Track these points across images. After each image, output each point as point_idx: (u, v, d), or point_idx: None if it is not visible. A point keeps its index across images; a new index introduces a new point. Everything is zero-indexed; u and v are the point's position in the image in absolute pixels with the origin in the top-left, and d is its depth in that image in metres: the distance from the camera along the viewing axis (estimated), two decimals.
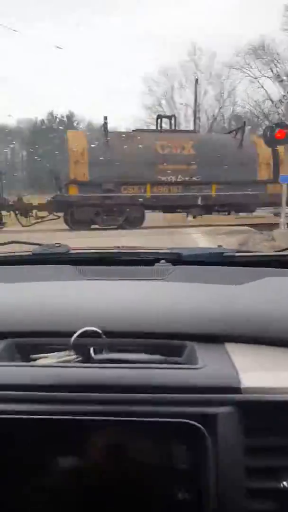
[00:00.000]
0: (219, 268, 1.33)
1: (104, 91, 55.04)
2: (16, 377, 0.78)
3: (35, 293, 1.11)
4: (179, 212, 14.73)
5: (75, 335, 0.87)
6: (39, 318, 0.97)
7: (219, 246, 1.80)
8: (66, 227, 13.34)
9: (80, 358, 0.88)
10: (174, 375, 0.78)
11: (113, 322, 0.95)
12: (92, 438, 0.73)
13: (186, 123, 31.88)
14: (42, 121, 39.60)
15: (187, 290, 1.15)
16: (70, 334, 0.88)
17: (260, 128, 26.01)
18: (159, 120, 15.65)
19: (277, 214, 13.04)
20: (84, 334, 0.88)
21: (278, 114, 13.56)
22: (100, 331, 0.89)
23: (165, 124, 16.03)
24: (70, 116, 39.18)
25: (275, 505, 0.72)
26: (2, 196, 14.20)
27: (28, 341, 0.92)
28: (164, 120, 16.21)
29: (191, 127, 23.28)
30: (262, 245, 8.13)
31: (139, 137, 14.06)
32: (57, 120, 38.50)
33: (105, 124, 13.56)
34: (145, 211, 14.05)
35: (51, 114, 38.79)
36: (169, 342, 0.91)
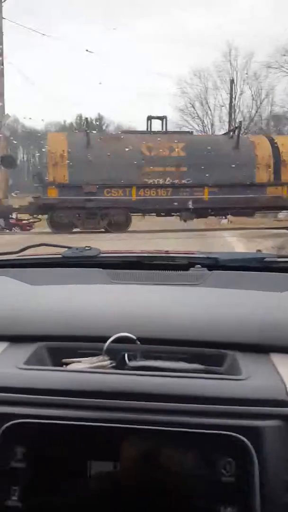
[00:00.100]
0: (260, 274, 1.28)
1: (136, 94, 54.95)
2: (49, 381, 0.77)
3: (66, 297, 1.11)
4: (172, 215, 14.12)
5: (109, 341, 0.86)
6: (71, 322, 0.96)
7: (258, 250, 1.72)
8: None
9: (114, 364, 0.85)
10: (216, 386, 0.76)
11: (147, 328, 0.93)
12: (126, 447, 0.72)
13: (221, 125, 31.12)
14: (71, 124, 39.92)
15: (225, 296, 1.12)
16: (102, 339, 0.87)
17: None
18: (149, 121, 15.05)
19: None
20: (118, 340, 0.87)
21: None
22: (134, 337, 0.88)
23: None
24: (99, 119, 39.27)
25: None
26: None
27: (60, 345, 0.91)
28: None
29: (226, 129, 22.42)
30: None
31: (124, 139, 13.64)
32: (85, 123, 38.65)
33: (87, 125, 13.27)
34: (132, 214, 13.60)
35: (79, 117, 38.88)
36: (208, 351, 0.88)
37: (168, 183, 13.42)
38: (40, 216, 13.74)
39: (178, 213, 13.77)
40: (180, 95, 34.12)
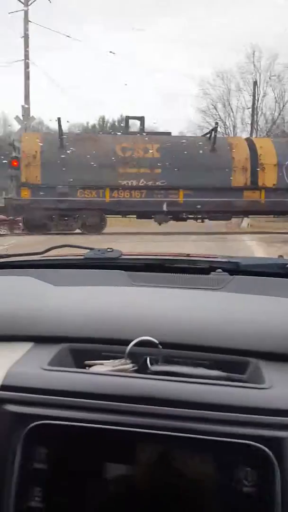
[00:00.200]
0: (282, 280, 1.26)
1: (159, 94, 54.58)
2: (72, 383, 0.78)
3: (88, 298, 1.12)
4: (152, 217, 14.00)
5: (131, 344, 0.86)
6: (94, 324, 0.97)
7: (280, 256, 1.70)
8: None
9: (136, 368, 0.86)
10: (239, 394, 0.75)
11: (169, 332, 0.93)
12: (145, 452, 0.72)
13: (243, 127, 30.78)
14: (94, 125, 39.75)
15: (247, 302, 1.11)
16: (125, 342, 0.87)
17: None
18: (128, 121, 14.95)
19: None
20: (140, 343, 0.87)
21: None
22: (156, 341, 0.88)
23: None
24: (121, 120, 39.03)
25: None
26: None
27: (82, 347, 0.92)
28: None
29: (248, 131, 22.17)
30: None
31: (99, 140, 13.56)
32: (108, 124, 37.90)
33: (60, 126, 13.19)
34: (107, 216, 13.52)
35: (102, 119, 38.73)
36: (230, 358, 0.88)
37: (142, 184, 13.30)
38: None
39: (152, 216, 13.68)
40: (203, 96, 33.33)
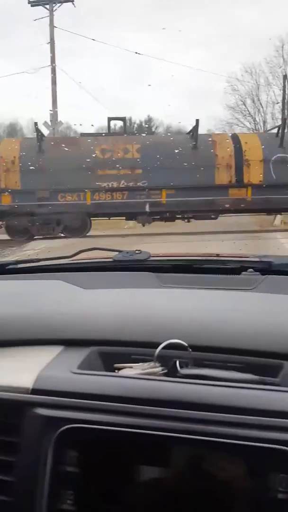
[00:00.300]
0: None
1: (185, 94, 54.04)
2: (102, 387, 0.78)
3: (117, 301, 1.12)
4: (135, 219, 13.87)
5: (160, 347, 0.85)
6: (123, 327, 0.97)
7: None
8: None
9: (165, 371, 0.85)
10: (272, 398, 0.74)
11: (199, 334, 0.91)
12: (176, 456, 0.71)
13: (273, 122, 30.09)
14: (120, 127, 39.59)
15: (280, 302, 1.08)
16: (153, 345, 0.86)
17: None
18: (110, 122, 14.83)
19: None
20: (169, 346, 0.86)
21: None
22: (186, 344, 0.86)
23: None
24: (148, 121, 38.66)
25: None
26: None
27: (112, 350, 0.92)
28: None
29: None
30: None
31: (78, 142, 13.49)
32: (135, 125, 37.10)
33: (37, 129, 13.19)
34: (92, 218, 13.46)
35: (129, 119, 38.89)
36: (262, 360, 0.86)
37: (123, 186, 13.18)
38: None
39: (135, 218, 13.55)
40: (231, 92, 32.78)
